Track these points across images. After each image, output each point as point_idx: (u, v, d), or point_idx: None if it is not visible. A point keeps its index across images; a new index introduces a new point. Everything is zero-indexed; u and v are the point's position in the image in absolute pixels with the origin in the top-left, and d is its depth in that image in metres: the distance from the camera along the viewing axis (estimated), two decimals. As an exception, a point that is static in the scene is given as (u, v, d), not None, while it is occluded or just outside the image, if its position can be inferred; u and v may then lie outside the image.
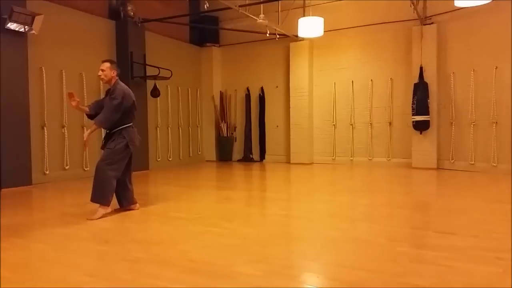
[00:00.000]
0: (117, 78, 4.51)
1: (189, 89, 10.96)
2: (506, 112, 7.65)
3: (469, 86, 8.22)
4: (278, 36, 9.34)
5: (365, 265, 2.82)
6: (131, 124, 4.52)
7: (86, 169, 8.03)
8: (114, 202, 4.56)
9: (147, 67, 9.04)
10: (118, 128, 4.42)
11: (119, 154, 4.39)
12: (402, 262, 2.86)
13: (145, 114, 9.09)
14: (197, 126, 11.35)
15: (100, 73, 4.44)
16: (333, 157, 10.14)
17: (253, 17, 7.99)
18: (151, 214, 4.59)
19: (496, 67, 7.75)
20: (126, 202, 4.66)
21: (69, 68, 7.73)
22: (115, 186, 4.42)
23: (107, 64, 4.46)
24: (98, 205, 4.36)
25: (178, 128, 10.54)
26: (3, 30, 6.36)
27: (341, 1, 9.70)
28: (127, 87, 4.52)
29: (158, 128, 9.81)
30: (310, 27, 8.29)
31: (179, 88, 10.50)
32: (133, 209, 4.67)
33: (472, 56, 8.18)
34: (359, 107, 9.80)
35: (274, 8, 8.60)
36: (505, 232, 3.58)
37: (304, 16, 8.89)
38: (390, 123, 9.44)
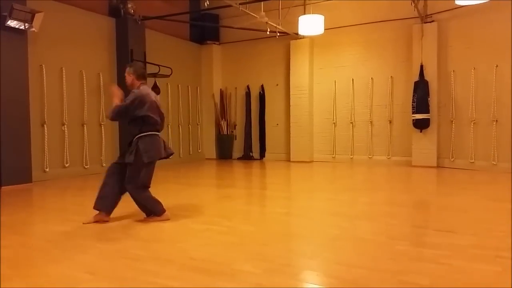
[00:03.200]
0: (140, 82, 4.09)
1: (189, 87, 10.95)
2: (506, 110, 7.64)
3: (470, 84, 8.21)
4: (278, 34, 9.31)
5: (365, 263, 2.83)
6: (151, 132, 4.05)
7: (86, 167, 8.03)
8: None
9: (147, 64, 9.01)
10: (136, 137, 4.01)
11: (138, 169, 3.98)
12: (402, 260, 2.86)
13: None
14: (197, 124, 11.35)
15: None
16: (333, 155, 10.14)
17: (254, 14, 7.98)
18: (151, 212, 4.58)
19: (497, 66, 7.74)
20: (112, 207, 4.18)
21: (69, 65, 7.73)
22: (149, 194, 4.10)
23: (126, 70, 4.12)
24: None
25: (178, 126, 10.54)
26: (3, 27, 6.34)
27: (342, -1, 9.69)
28: (148, 93, 4.03)
29: (158, 126, 9.80)
30: (310, 25, 8.27)
31: (179, 86, 10.50)
32: (107, 221, 4.10)
33: (472, 54, 8.17)
34: (359, 105, 9.80)
35: (274, 6, 8.59)
36: (504, 231, 3.58)
37: (304, 14, 8.87)
38: (390, 121, 9.43)
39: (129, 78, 4.10)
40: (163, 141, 4.28)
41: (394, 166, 9.01)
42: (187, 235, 3.65)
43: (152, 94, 4.14)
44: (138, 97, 3.95)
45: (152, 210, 4.14)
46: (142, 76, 4.16)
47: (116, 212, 4.47)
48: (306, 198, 5.64)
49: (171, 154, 4.38)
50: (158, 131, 4.19)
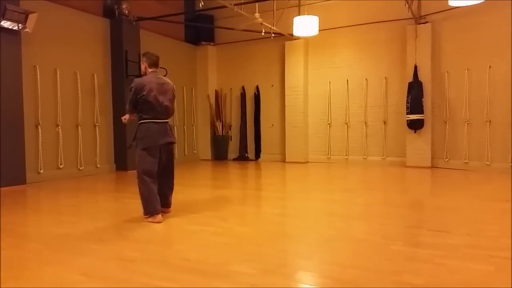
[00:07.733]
0: (151, 70, 4.34)
1: (184, 88, 10.94)
2: (499, 110, 7.70)
3: (463, 85, 8.26)
4: (273, 35, 9.32)
5: (360, 263, 2.84)
6: (148, 120, 4.13)
7: (80, 168, 7.99)
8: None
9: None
10: (138, 123, 4.19)
11: (138, 156, 4.14)
12: (397, 260, 2.88)
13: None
14: (192, 125, 11.33)
15: None
16: (328, 156, 10.16)
17: (249, 15, 7.98)
18: (146, 213, 4.56)
19: (490, 66, 7.80)
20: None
21: (63, 66, 7.69)
22: (154, 189, 4.14)
23: (141, 59, 4.40)
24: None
25: (173, 127, 10.50)
26: (-4, 28, 6.31)
27: (336, 0, 9.72)
28: (148, 77, 4.24)
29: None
30: (305, 26, 8.29)
31: (174, 86, 10.44)
32: (165, 212, 4.33)
33: (466, 55, 8.22)
34: (354, 106, 9.83)
35: (269, 7, 8.60)
36: (498, 230, 3.61)
37: (299, 15, 8.88)
38: (384, 122, 9.47)
39: (142, 66, 4.37)
40: (168, 128, 4.28)
41: (389, 167, 9.04)
42: (182, 236, 3.64)
43: (155, 82, 4.23)
44: (135, 85, 4.13)
45: (143, 205, 4.11)
46: (153, 64, 4.36)
47: (111, 213, 4.47)
48: (301, 198, 5.65)
49: (170, 142, 4.29)
50: (158, 118, 4.17)
